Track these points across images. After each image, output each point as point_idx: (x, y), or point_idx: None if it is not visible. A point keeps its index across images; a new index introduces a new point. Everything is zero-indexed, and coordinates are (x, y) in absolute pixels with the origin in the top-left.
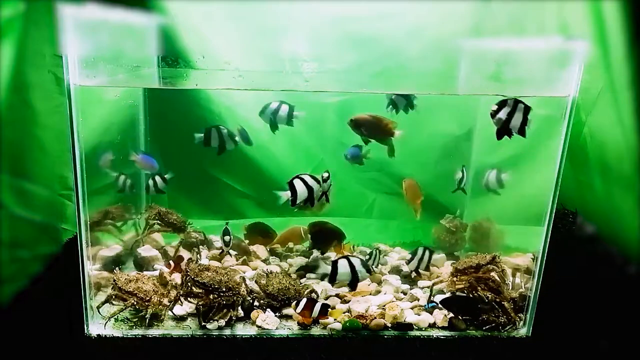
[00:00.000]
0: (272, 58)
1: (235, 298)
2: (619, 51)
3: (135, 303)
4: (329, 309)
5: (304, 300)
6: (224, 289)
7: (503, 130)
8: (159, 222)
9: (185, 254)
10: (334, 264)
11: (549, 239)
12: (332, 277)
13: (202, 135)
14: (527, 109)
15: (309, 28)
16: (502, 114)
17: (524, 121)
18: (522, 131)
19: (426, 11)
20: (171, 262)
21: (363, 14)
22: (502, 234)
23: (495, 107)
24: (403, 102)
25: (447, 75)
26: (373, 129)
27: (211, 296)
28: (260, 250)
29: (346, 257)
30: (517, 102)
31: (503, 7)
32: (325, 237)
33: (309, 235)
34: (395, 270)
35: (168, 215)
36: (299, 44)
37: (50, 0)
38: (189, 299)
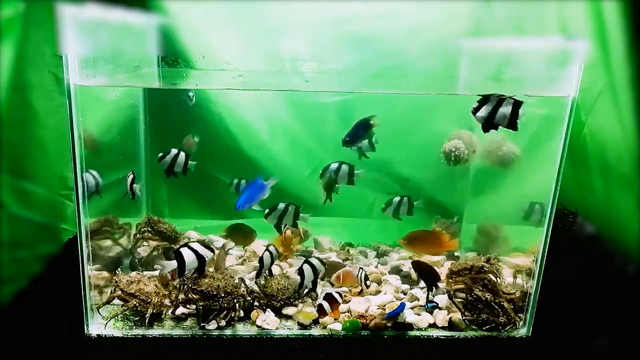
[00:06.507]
0: (272, 58)
1: (234, 302)
2: (619, 51)
3: (137, 304)
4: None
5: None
6: (222, 295)
7: (488, 124)
8: (149, 230)
9: None
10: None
11: (549, 239)
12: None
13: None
14: (517, 104)
15: (308, 28)
16: (484, 112)
17: (515, 115)
18: (512, 125)
19: (426, 11)
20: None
21: (363, 13)
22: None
23: (475, 105)
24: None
25: (447, 75)
26: None
27: (210, 301)
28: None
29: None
30: (501, 99)
31: (503, 7)
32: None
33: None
34: (395, 270)
35: (158, 224)
36: (299, 43)
37: (50, 0)
38: (187, 306)
